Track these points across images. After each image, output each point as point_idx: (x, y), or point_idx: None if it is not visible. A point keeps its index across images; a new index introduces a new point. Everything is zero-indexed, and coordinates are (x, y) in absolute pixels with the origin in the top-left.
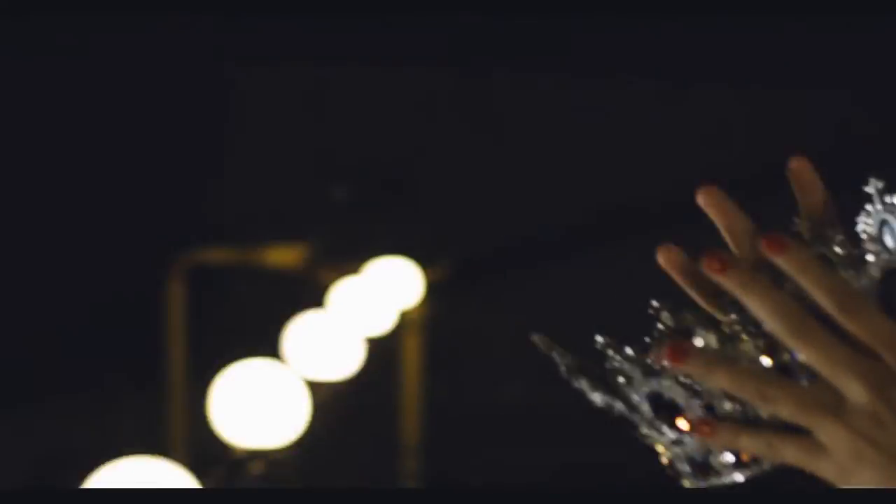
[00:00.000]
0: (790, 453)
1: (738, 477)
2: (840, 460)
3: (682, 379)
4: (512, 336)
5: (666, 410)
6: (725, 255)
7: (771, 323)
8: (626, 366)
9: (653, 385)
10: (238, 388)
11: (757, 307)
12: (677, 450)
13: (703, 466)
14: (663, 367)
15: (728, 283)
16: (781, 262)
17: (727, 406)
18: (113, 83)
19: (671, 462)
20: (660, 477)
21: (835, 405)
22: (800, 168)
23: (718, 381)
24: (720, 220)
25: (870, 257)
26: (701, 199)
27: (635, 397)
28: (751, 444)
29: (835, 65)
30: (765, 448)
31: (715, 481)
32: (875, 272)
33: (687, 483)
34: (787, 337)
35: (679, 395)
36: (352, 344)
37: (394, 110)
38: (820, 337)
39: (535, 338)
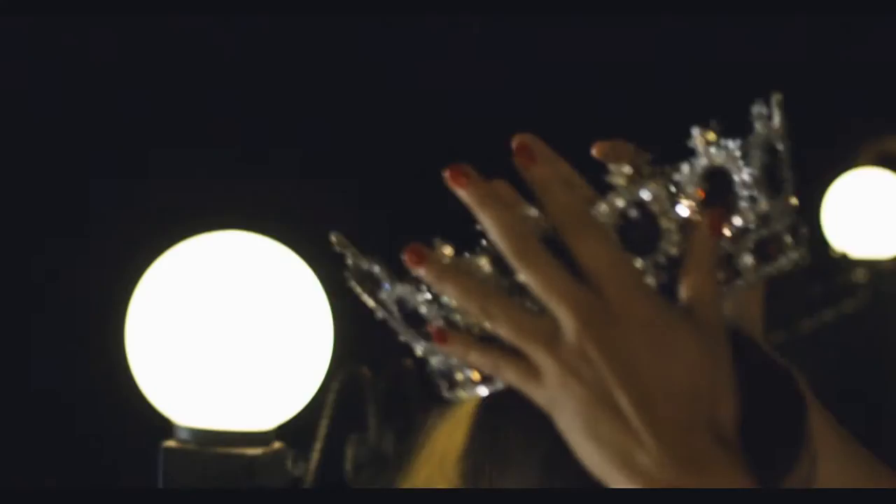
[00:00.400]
0: (510, 375)
1: (482, 391)
2: (550, 389)
3: (423, 287)
4: None
5: (414, 318)
6: (467, 170)
7: (497, 241)
8: (376, 269)
9: (398, 291)
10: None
11: (487, 225)
12: (433, 360)
13: (451, 378)
14: (410, 274)
15: (467, 197)
16: (527, 172)
17: (465, 319)
18: None
19: (431, 372)
20: None
21: (550, 333)
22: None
23: (447, 291)
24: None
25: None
26: (516, 146)
27: (390, 304)
28: (479, 361)
29: None
30: (491, 366)
31: (462, 394)
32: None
33: (444, 394)
34: (510, 257)
35: (421, 304)
36: None
37: None
38: (541, 261)
39: (333, 235)
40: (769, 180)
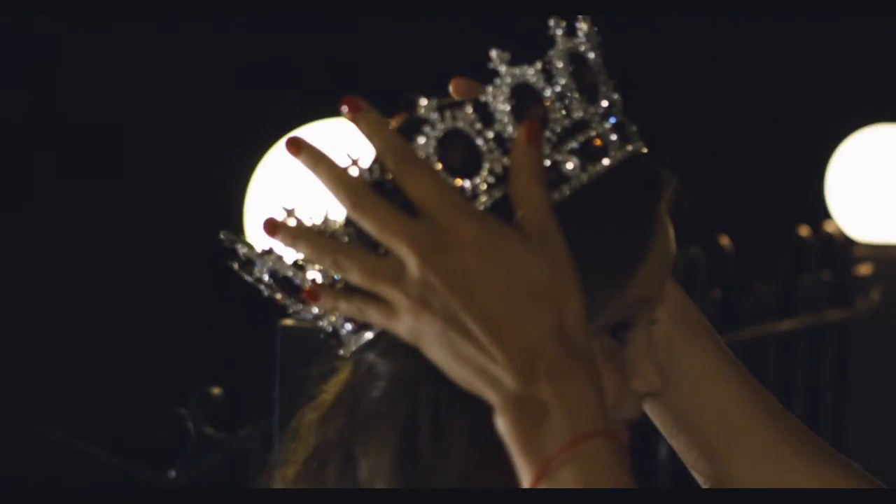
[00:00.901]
0: (373, 316)
1: (368, 335)
2: (407, 323)
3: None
4: None
5: (287, 287)
6: (298, 139)
7: (335, 197)
8: (245, 250)
9: (267, 264)
10: None
11: (323, 183)
12: (324, 323)
13: (338, 336)
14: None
15: (302, 162)
16: (356, 122)
17: (322, 275)
18: None
19: (324, 335)
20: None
21: (395, 271)
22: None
23: (302, 251)
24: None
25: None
26: (348, 115)
27: (266, 279)
28: (347, 309)
29: None
30: (357, 312)
31: (355, 346)
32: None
33: (340, 352)
34: (348, 209)
35: (287, 270)
36: None
37: None
38: (374, 206)
39: (223, 233)
40: (580, 87)
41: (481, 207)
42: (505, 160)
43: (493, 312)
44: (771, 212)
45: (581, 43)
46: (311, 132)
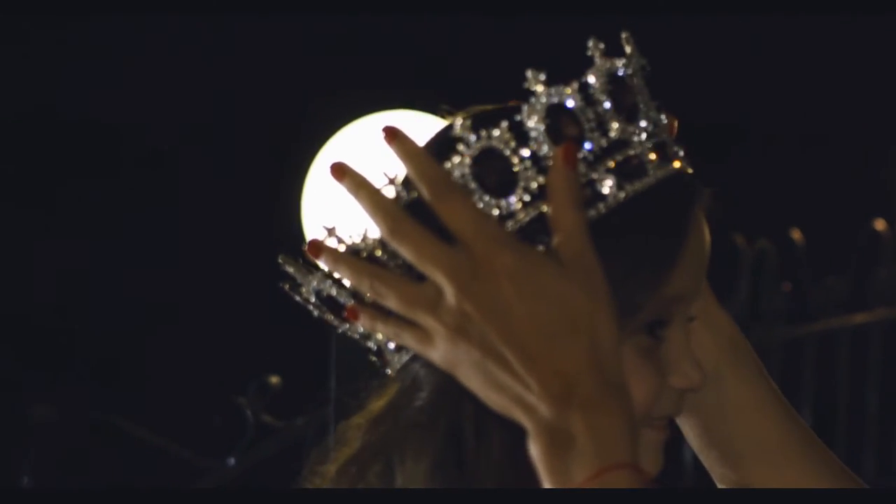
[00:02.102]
0: (408, 341)
1: (405, 356)
2: (443, 351)
3: (332, 274)
4: None
5: (333, 306)
6: (343, 165)
7: (374, 223)
8: (292, 270)
9: (312, 283)
10: None
11: (364, 209)
12: (370, 342)
13: (383, 355)
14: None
15: (345, 187)
16: (393, 149)
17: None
18: None
19: (370, 352)
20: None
21: (432, 299)
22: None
23: (343, 274)
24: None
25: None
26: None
27: (313, 298)
28: (385, 330)
29: None
30: (393, 335)
31: (399, 364)
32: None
33: (384, 370)
34: (386, 236)
35: (331, 289)
36: None
37: None
38: (413, 235)
39: (281, 257)
40: (618, 108)
41: (516, 226)
42: (540, 179)
43: (529, 342)
44: (845, 205)
45: (621, 64)
46: (361, 129)
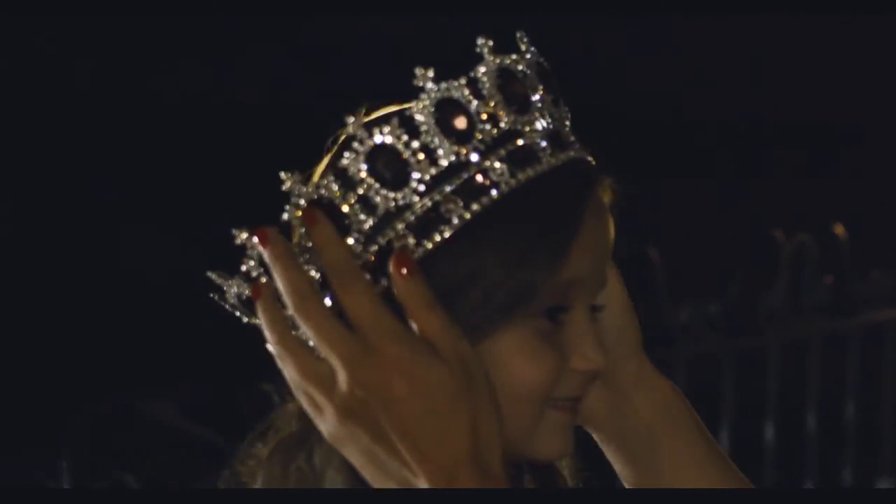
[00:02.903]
0: (305, 403)
1: None
2: (330, 427)
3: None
4: None
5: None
6: (267, 232)
7: (284, 298)
8: (214, 276)
9: (233, 289)
10: None
11: (278, 283)
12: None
13: None
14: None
15: (266, 255)
16: (310, 234)
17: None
18: None
19: None
20: None
21: (328, 378)
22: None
23: (264, 323)
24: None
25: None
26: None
27: (237, 303)
28: (294, 386)
29: None
30: (299, 393)
31: None
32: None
33: None
34: (291, 310)
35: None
36: None
37: None
38: (316, 316)
39: (212, 274)
40: (509, 100)
41: (413, 217)
42: (432, 171)
43: (416, 433)
44: (888, 200)
45: (511, 59)
46: None
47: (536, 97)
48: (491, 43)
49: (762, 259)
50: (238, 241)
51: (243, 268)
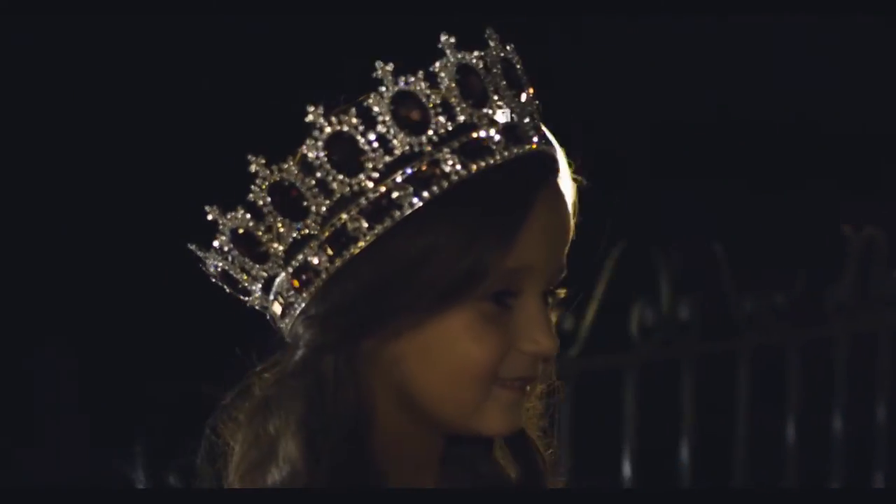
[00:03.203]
0: None
1: (290, 320)
2: None
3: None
4: None
5: (229, 281)
6: None
7: None
8: (195, 249)
9: (210, 261)
10: None
11: None
12: (267, 314)
13: (275, 321)
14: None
15: None
16: None
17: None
18: None
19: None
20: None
21: None
22: None
23: None
24: None
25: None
26: None
27: (215, 270)
28: None
29: None
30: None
31: (286, 329)
32: None
33: (282, 325)
34: None
35: (225, 266)
36: None
37: None
38: None
39: (191, 246)
40: (466, 94)
41: (366, 203)
42: (387, 159)
43: None
44: None
45: (473, 56)
46: None
47: (497, 92)
48: (453, 39)
49: (830, 251)
50: (210, 217)
51: (216, 243)
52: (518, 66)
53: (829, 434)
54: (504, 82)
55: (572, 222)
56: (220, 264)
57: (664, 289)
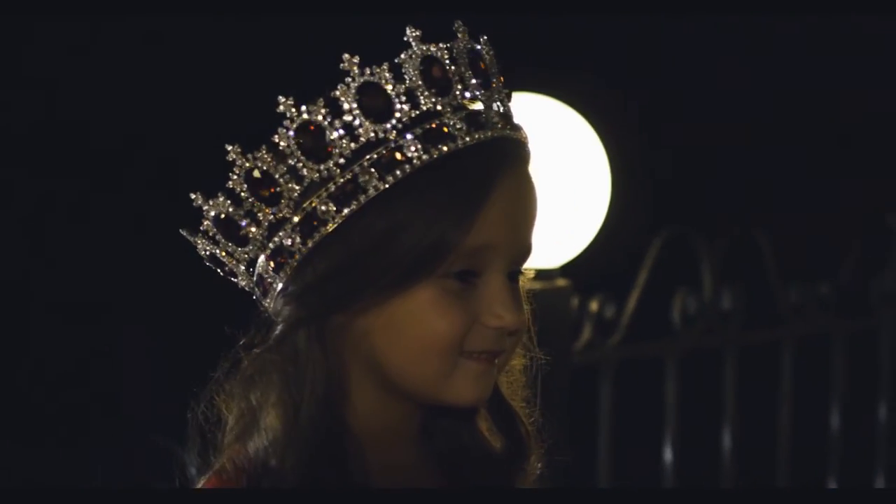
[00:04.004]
0: None
1: (271, 299)
2: None
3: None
4: None
5: (216, 263)
6: None
7: None
8: (186, 234)
9: (198, 246)
10: None
11: None
12: (253, 294)
13: (259, 301)
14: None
15: None
16: None
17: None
18: None
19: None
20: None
21: None
22: None
23: None
24: None
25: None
26: None
27: (206, 253)
28: None
29: None
30: None
31: (269, 307)
32: None
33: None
34: None
35: (213, 250)
36: None
37: None
38: None
39: (182, 231)
40: (430, 84)
41: (334, 188)
42: (352, 146)
43: None
44: None
45: (437, 47)
46: None
47: (462, 81)
48: (418, 33)
49: (875, 241)
50: (196, 205)
51: (202, 228)
52: (487, 57)
53: (874, 425)
54: (470, 72)
55: (535, 205)
56: (209, 248)
57: (706, 277)
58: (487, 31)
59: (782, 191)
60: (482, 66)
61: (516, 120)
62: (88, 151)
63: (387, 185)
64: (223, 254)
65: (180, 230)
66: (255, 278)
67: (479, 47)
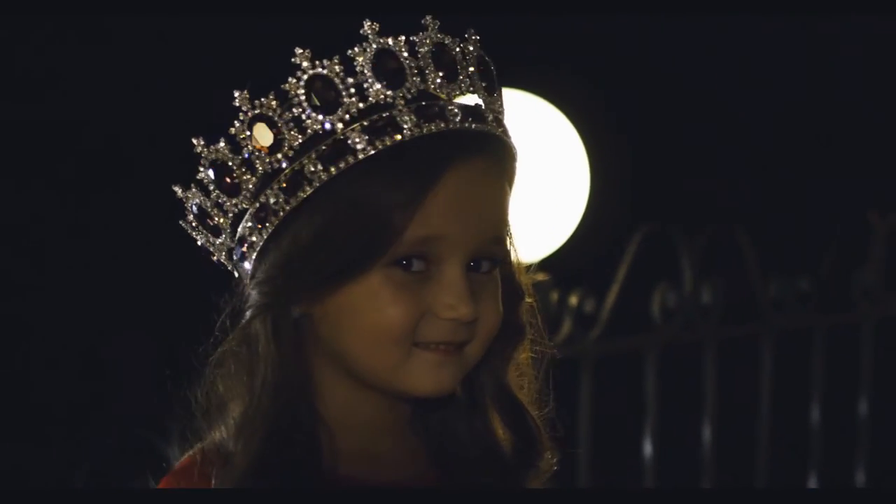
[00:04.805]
0: None
1: (249, 286)
2: None
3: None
4: None
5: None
6: None
7: None
8: (177, 190)
9: (193, 200)
10: None
11: None
12: (236, 275)
13: (240, 276)
14: None
15: None
16: None
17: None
18: None
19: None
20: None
21: None
22: None
23: None
24: None
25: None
26: None
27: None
28: None
29: None
30: None
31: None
32: None
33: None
34: None
35: (199, 237)
36: None
37: None
38: None
39: (175, 187)
40: (380, 77)
41: (283, 179)
42: (300, 137)
43: None
44: None
45: (393, 41)
46: None
47: (420, 74)
48: (377, 26)
49: (855, 236)
50: (197, 150)
51: (199, 175)
52: (458, 50)
53: (854, 420)
54: (432, 65)
55: (495, 199)
56: (199, 200)
57: (686, 271)
58: (466, 28)
59: (762, 186)
60: (449, 59)
61: (491, 115)
62: (88, 151)
63: (330, 177)
64: (212, 206)
65: (174, 187)
66: (237, 240)
67: (446, 41)
